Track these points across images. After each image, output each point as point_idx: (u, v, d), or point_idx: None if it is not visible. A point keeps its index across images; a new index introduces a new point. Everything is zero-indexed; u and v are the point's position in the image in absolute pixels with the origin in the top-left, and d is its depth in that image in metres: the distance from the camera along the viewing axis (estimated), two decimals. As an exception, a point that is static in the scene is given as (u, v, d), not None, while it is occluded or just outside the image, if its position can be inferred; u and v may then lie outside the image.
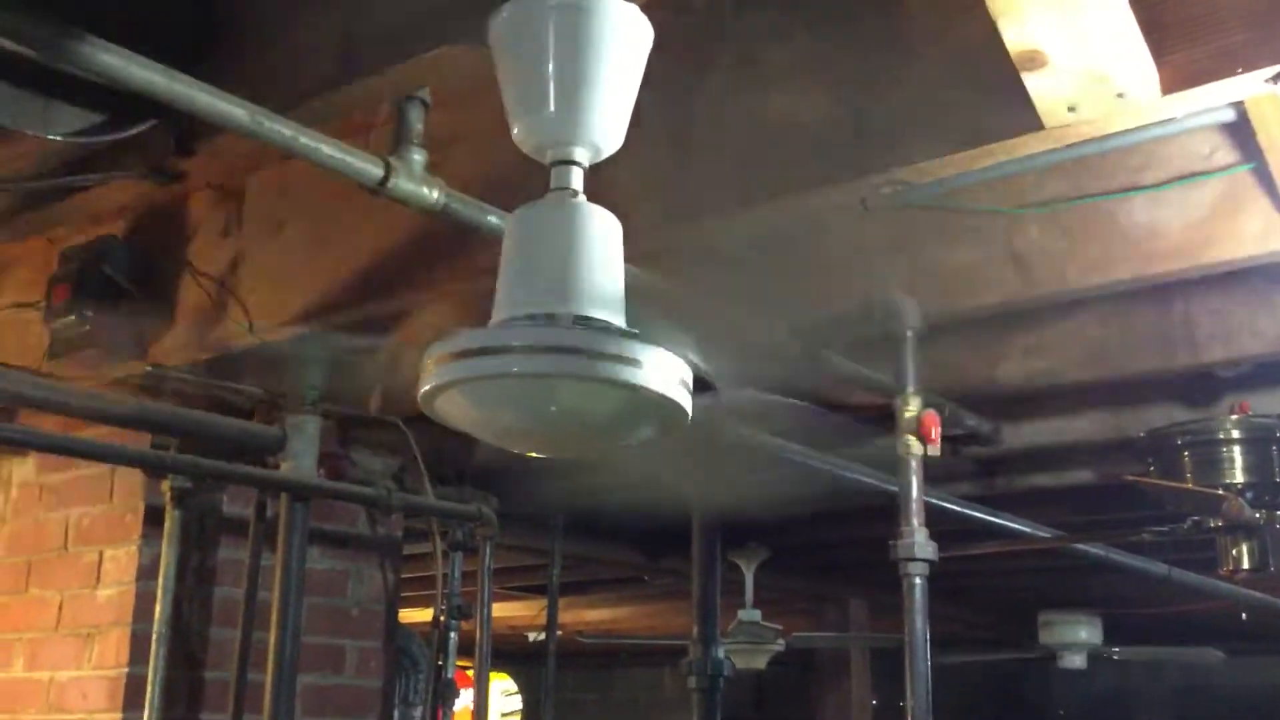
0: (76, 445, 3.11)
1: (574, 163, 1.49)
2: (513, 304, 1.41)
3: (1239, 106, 2.26)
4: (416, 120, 2.04)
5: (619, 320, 1.39)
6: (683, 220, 2.28)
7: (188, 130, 2.27)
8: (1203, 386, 3.57)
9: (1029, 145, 1.96)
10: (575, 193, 1.48)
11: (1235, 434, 3.53)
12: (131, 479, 3.69)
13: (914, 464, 2.48)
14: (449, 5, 1.84)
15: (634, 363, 1.32)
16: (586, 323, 1.35)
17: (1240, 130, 2.33)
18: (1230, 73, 1.74)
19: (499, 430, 1.49)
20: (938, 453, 2.50)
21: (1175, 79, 1.79)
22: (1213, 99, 1.88)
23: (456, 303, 2.99)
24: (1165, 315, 3.22)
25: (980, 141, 1.96)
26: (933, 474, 2.68)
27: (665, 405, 1.36)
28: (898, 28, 2.07)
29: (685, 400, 1.37)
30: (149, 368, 3.30)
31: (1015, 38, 1.76)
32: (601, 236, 1.46)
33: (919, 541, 2.43)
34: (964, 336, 3.47)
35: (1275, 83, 1.73)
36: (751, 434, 3.48)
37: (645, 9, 1.58)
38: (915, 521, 2.45)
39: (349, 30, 1.96)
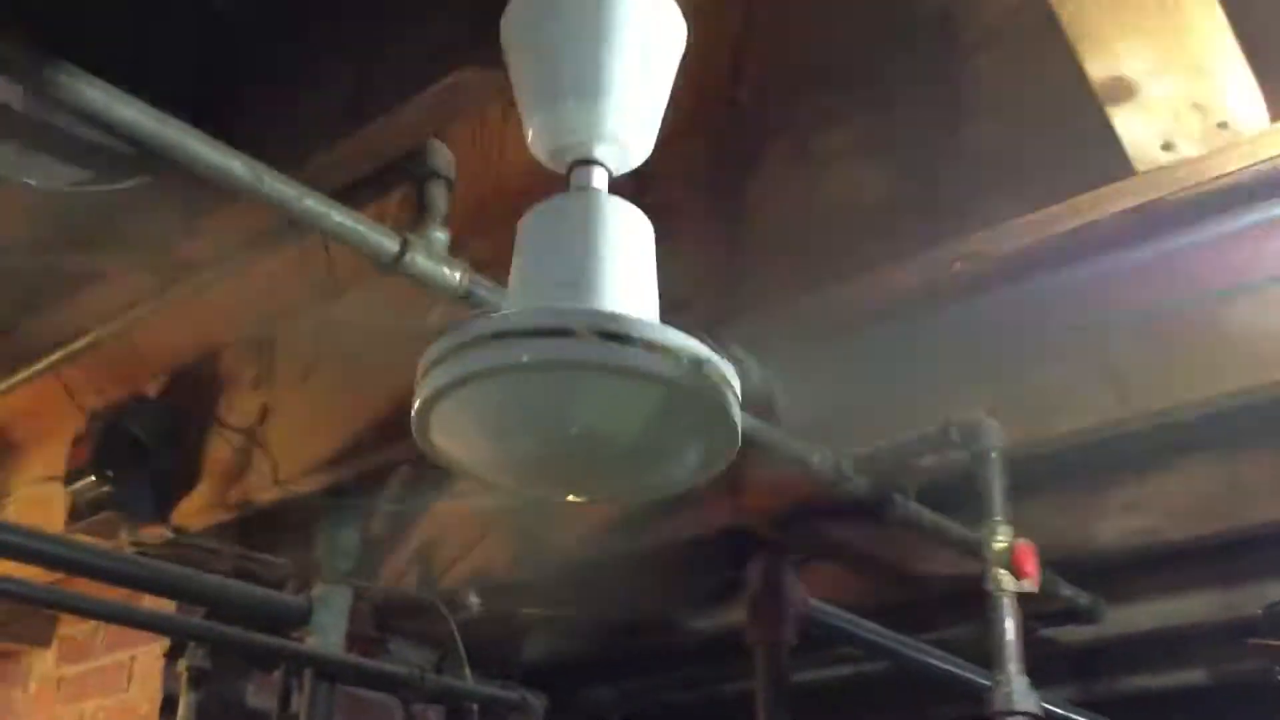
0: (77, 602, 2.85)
1: (596, 162, 1.29)
2: (524, 303, 1.18)
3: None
4: (439, 197, 1.87)
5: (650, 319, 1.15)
6: (736, 314, 2.07)
7: (194, 202, 2.11)
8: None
9: (1119, 197, 1.73)
10: (598, 191, 1.27)
11: (1370, 602, 3.13)
12: (151, 665, 3.43)
13: (1007, 601, 2.15)
14: (463, 37, 1.70)
15: (669, 354, 1.08)
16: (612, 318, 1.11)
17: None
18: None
19: (510, 464, 1.24)
20: (1034, 588, 2.18)
21: (1285, 99, 1.57)
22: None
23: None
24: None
25: (1062, 195, 1.75)
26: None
27: (709, 413, 1.11)
28: (964, 90, 1.89)
29: (734, 411, 1.12)
30: (169, 533, 3.09)
31: (1099, 69, 1.57)
32: (630, 230, 1.24)
33: (1019, 690, 2.08)
34: (1054, 495, 3.16)
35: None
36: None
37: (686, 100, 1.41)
38: (1012, 668, 2.10)
39: (361, 77, 1.83)
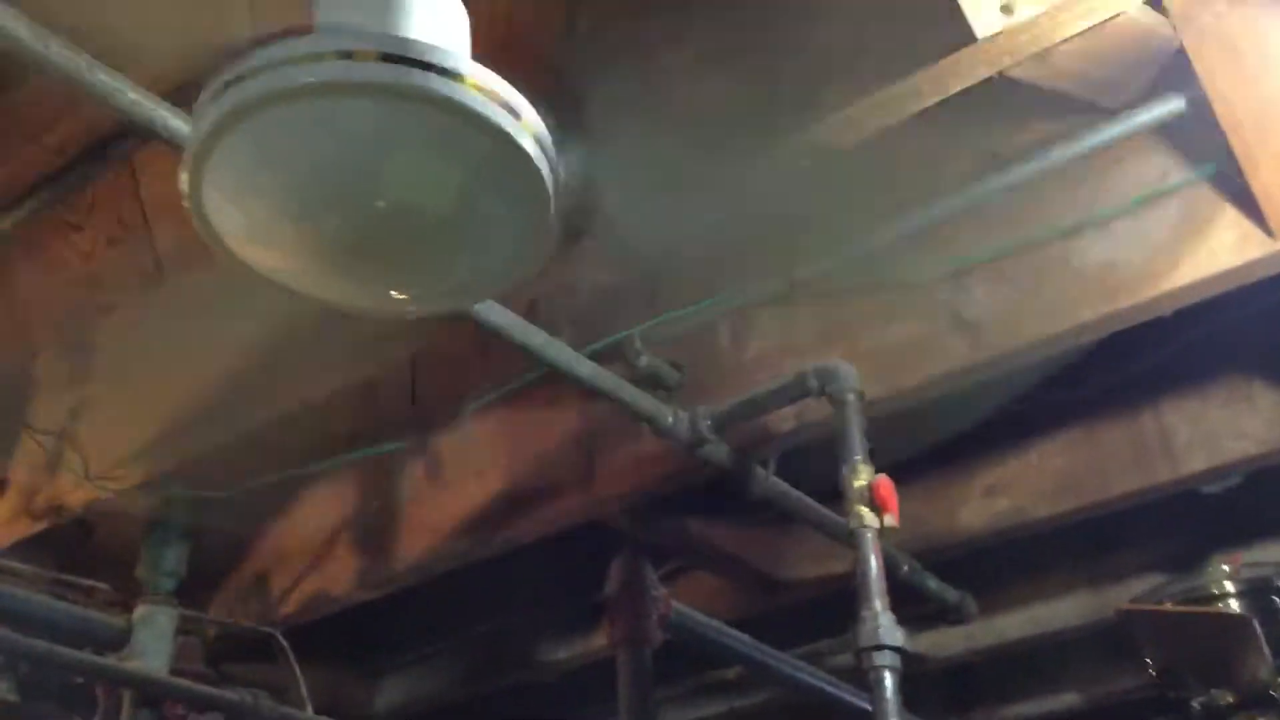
0: None
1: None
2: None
3: (1191, 94, 2.05)
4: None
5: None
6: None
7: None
8: (1188, 528, 3.18)
9: (963, 71, 1.69)
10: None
11: (1230, 588, 3.10)
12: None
13: (870, 536, 2.05)
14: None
15: (469, 83, 0.96)
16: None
17: (1193, 131, 2.10)
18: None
19: (317, 255, 1.09)
20: (895, 524, 2.08)
21: (1118, -46, 1.55)
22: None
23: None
24: (1136, 428, 2.89)
25: (904, 70, 1.69)
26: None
27: (509, 158, 0.99)
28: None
29: (539, 156, 1.00)
30: (-29, 555, 2.81)
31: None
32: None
33: (884, 625, 1.97)
34: (917, 484, 3.10)
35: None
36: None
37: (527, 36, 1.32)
38: (878, 604, 1.99)
39: None
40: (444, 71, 0.94)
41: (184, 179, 1.01)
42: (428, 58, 0.94)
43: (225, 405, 2.43)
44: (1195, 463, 2.79)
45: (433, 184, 1.02)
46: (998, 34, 1.62)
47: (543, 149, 0.99)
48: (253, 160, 1.00)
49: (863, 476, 2.10)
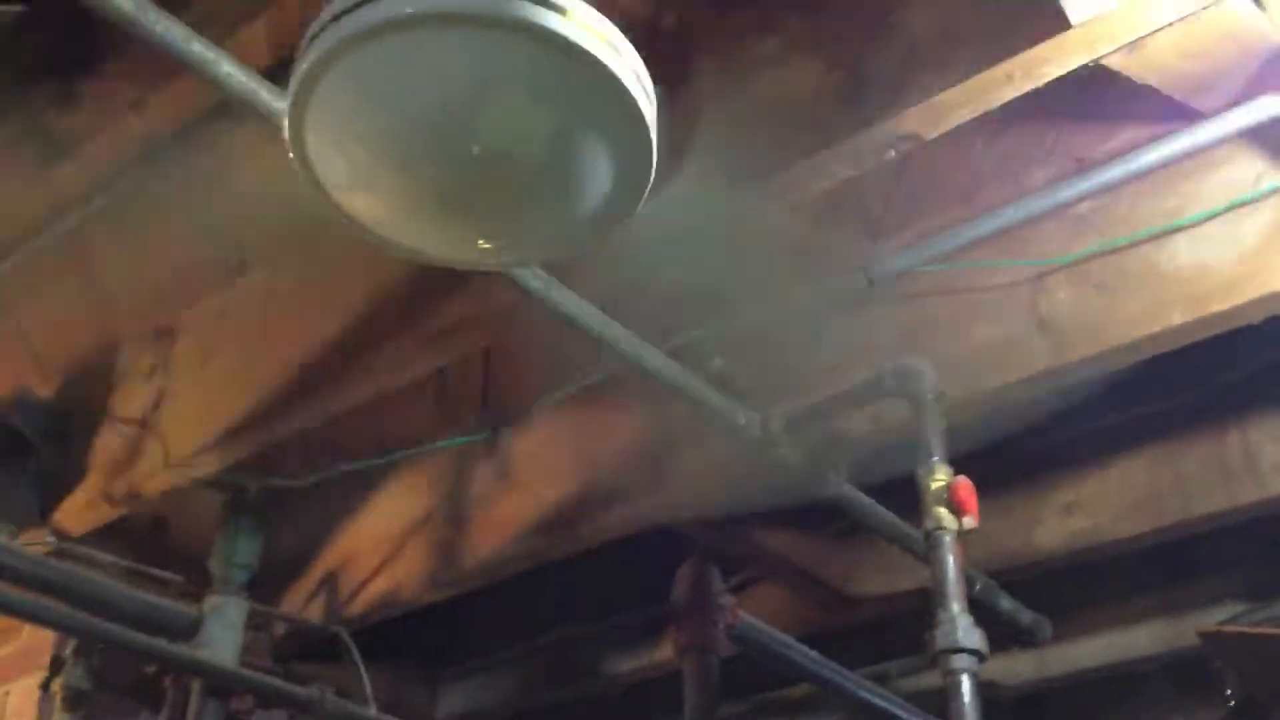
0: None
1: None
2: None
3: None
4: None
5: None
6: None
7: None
8: (1272, 555, 3.08)
9: (1057, 57, 1.66)
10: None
11: (1315, 617, 3.01)
12: (25, 700, 3.15)
13: (948, 539, 2.01)
14: None
15: (573, 17, 0.96)
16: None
17: (1289, 133, 2.05)
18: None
19: (411, 203, 1.10)
20: (974, 524, 2.04)
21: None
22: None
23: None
24: (1220, 447, 2.82)
25: (996, 58, 1.67)
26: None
27: (610, 97, 0.99)
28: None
29: (640, 94, 1.00)
30: (51, 539, 2.85)
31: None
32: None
33: (963, 627, 1.93)
34: (992, 500, 3.04)
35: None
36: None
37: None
38: (956, 606, 1.96)
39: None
40: (549, 5, 0.94)
41: (287, 121, 1.02)
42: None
43: (302, 395, 2.45)
44: (1282, 483, 2.72)
45: (529, 129, 1.02)
46: (1092, 20, 1.59)
47: (643, 87, 0.98)
48: (351, 103, 1.01)
49: (941, 477, 2.07)
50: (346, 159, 1.05)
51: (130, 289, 2.86)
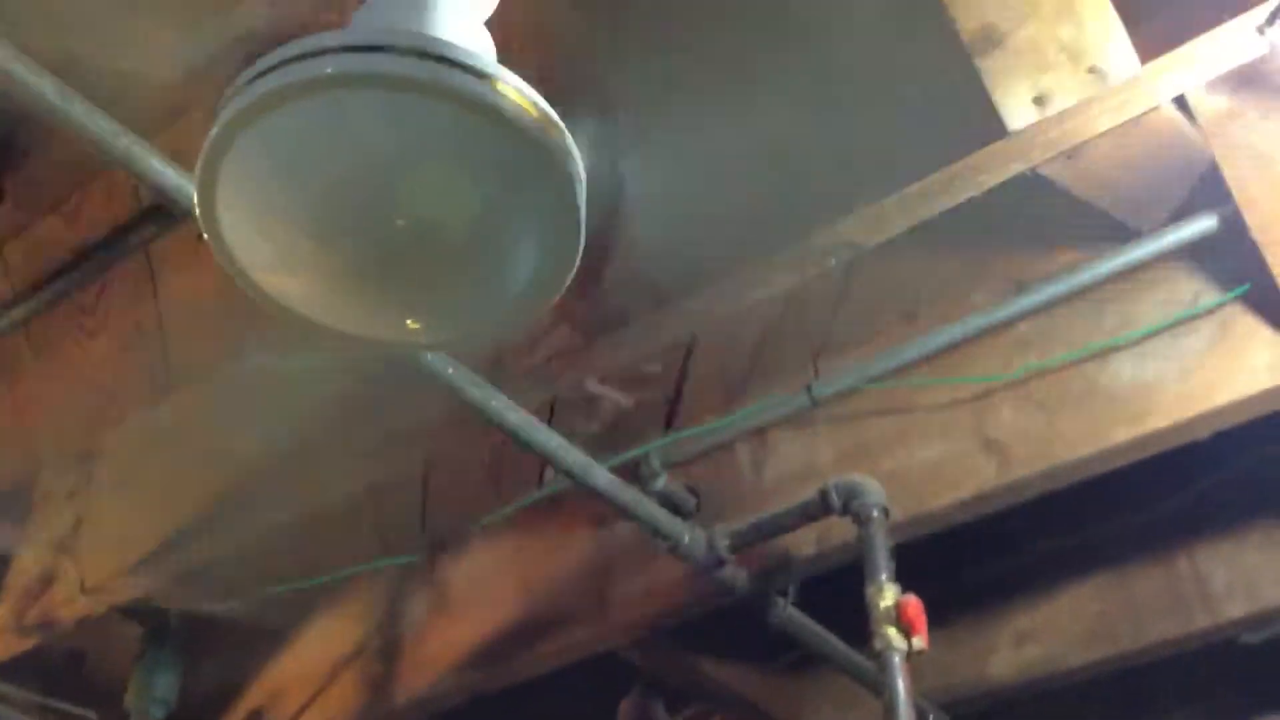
0: None
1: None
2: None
3: (1223, 211, 2.02)
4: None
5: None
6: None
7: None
8: (1228, 681, 3.02)
9: (994, 165, 1.67)
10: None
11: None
12: None
13: (898, 660, 1.94)
14: None
15: (501, 86, 0.93)
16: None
17: (1226, 248, 2.07)
18: (1217, 21, 1.50)
19: (333, 280, 1.05)
20: (924, 646, 1.97)
21: (1155, 45, 1.55)
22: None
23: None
24: (1170, 572, 2.78)
25: (934, 165, 1.67)
26: None
27: (536, 167, 0.95)
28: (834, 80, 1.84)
29: (569, 165, 0.97)
30: (-43, 672, 2.70)
31: (970, 19, 1.54)
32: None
33: (917, 760, 1.84)
34: (944, 631, 2.97)
35: (1270, 26, 1.48)
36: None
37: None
38: (908, 732, 1.88)
39: None
40: (477, 73, 0.91)
41: (196, 192, 0.97)
42: (461, 58, 0.92)
43: (225, 519, 2.36)
44: (1234, 609, 2.67)
45: (455, 200, 0.98)
46: (1029, 127, 1.60)
47: (571, 155, 0.95)
48: (267, 172, 0.96)
49: (889, 596, 2.01)
50: (265, 236, 1.00)
51: (53, 407, 2.77)
